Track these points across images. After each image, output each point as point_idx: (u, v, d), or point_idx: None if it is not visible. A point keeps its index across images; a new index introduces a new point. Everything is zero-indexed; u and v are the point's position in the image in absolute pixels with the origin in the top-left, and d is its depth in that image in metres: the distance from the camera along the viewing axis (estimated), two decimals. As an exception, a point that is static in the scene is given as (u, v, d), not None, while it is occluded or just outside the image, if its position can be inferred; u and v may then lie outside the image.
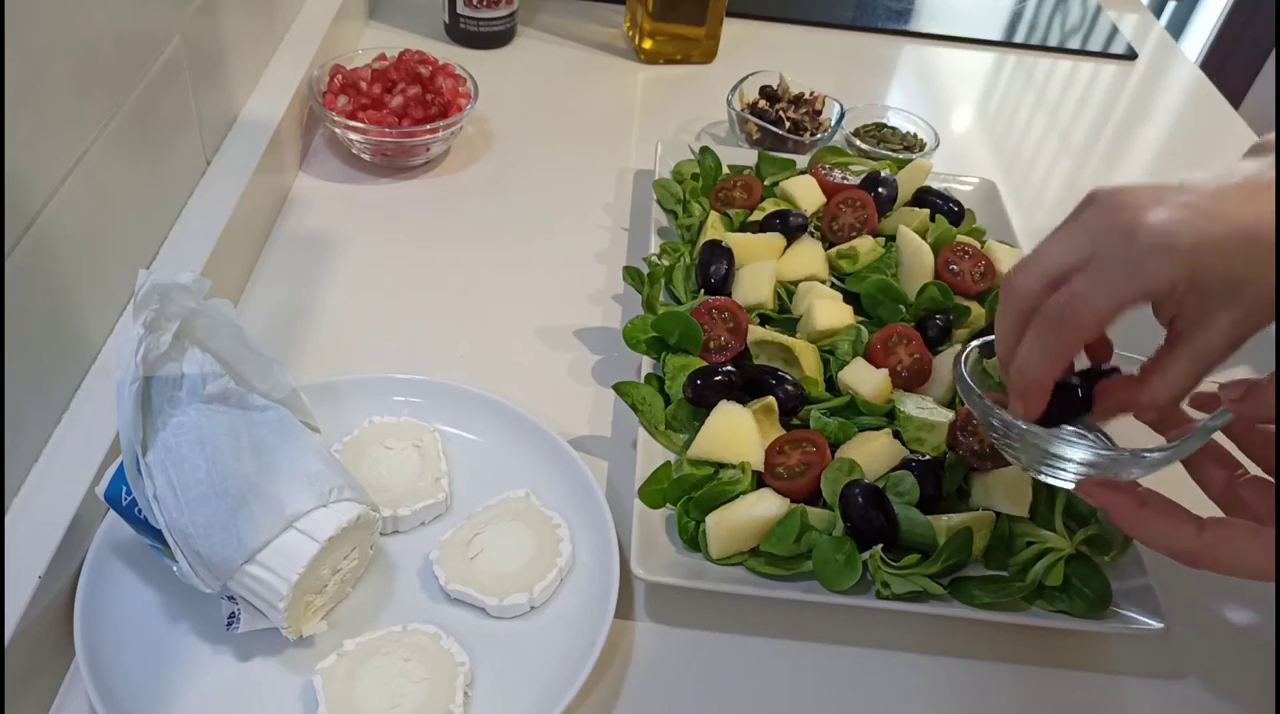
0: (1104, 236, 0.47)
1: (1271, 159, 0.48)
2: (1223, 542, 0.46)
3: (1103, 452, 0.50)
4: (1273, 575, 0.45)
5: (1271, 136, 0.51)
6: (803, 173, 0.82)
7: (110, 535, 0.53)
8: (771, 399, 0.62)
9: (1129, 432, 0.53)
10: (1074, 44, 1.22)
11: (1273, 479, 0.49)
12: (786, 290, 0.71)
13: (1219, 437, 0.50)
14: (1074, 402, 0.53)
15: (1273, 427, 0.49)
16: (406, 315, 0.73)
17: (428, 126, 0.82)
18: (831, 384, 0.65)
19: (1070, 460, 0.50)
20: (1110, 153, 1.03)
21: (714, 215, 0.77)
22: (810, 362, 0.65)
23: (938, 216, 0.78)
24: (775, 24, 1.18)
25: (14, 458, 0.50)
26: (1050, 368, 0.49)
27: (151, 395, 0.49)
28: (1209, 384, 0.50)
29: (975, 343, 0.56)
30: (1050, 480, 0.51)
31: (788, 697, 0.54)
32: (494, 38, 1.05)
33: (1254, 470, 0.50)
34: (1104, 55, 1.20)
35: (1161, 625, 0.54)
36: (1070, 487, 0.51)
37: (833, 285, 0.73)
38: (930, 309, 0.70)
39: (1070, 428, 0.54)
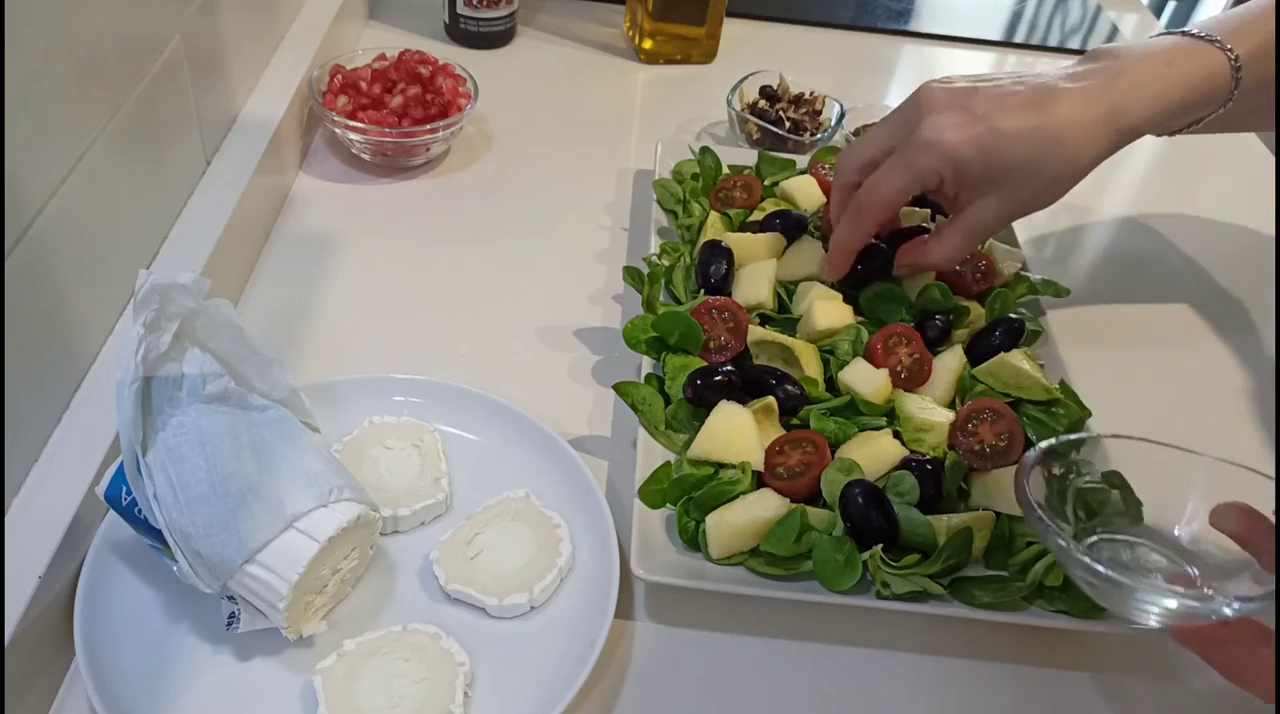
0: (900, 133, 0.62)
1: (1075, 71, 0.61)
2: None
3: (1191, 601, 0.46)
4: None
5: (1108, 47, 0.62)
6: (803, 173, 0.82)
7: (110, 535, 0.53)
8: (771, 399, 0.61)
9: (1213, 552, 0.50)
10: (1074, 44, 1.22)
11: None
12: (786, 290, 0.71)
13: None
14: (881, 261, 0.69)
15: None
16: (406, 315, 0.73)
17: (428, 126, 0.82)
18: (831, 384, 0.65)
19: (1158, 606, 0.47)
20: (1110, 153, 1.03)
21: (714, 215, 0.77)
22: (810, 362, 0.65)
23: (937, 217, 0.78)
24: (775, 24, 1.17)
25: (14, 458, 0.50)
26: (854, 241, 0.66)
27: (151, 395, 0.49)
28: None
29: (1034, 457, 0.52)
30: (1136, 619, 0.48)
31: (788, 697, 0.54)
32: (494, 38, 1.05)
33: None
34: (1104, 55, 1.20)
35: (1161, 625, 0.54)
36: (1156, 626, 0.48)
37: (832, 285, 0.73)
38: (930, 309, 0.70)
39: (1155, 554, 0.52)
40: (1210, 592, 0.50)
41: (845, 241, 0.66)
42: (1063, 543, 0.48)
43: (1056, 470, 0.54)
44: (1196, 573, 0.52)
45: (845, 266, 0.68)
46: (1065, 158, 0.59)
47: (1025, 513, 0.50)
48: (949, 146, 0.59)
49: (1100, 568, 0.46)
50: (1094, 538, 0.54)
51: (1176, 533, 0.53)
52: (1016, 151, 0.59)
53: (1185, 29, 0.64)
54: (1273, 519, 0.48)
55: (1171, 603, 0.46)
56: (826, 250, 0.74)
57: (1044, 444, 0.53)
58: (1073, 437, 0.55)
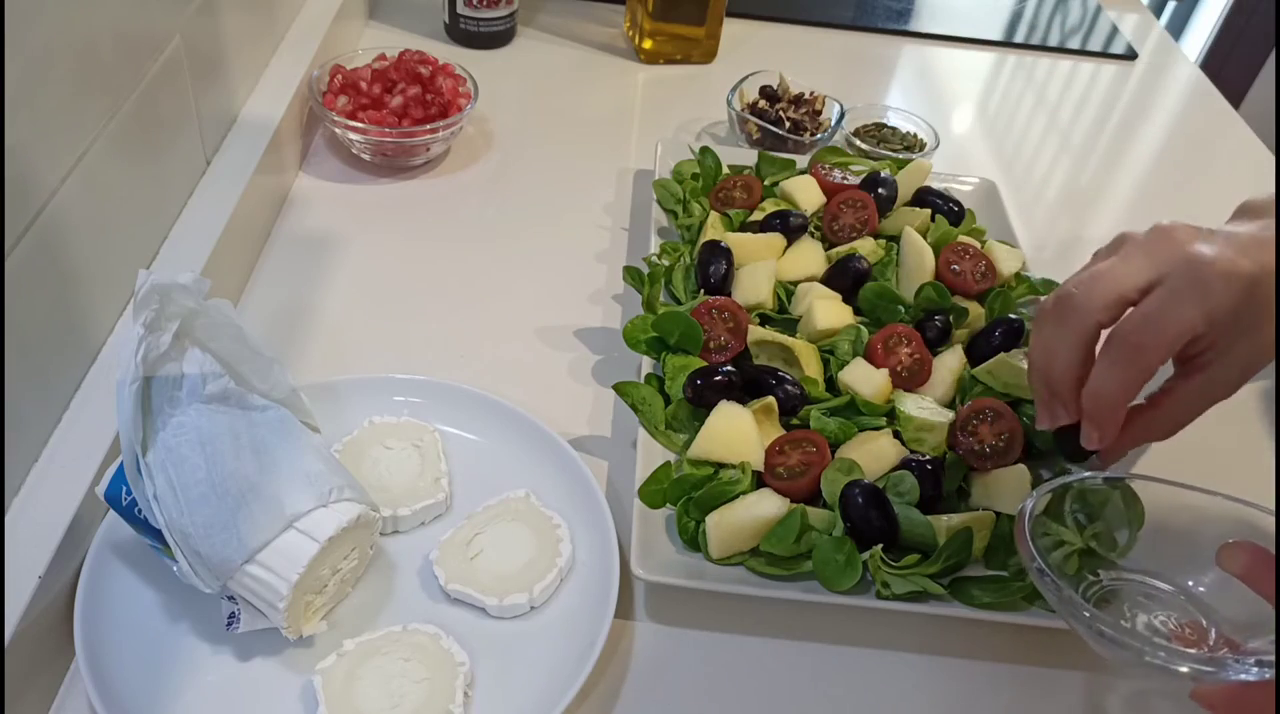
0: (1172, 262, 0.50)
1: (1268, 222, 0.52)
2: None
3: (1203, 666, 0.45)
4: None
5: (1259, 198, 0.54)
6: (803, 173, 0.82)
7: (110, 535, 0.53)
8: (771, 399, 0.62)
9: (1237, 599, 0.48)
10: (1074, 44, 1.22)
11: None
12: (786, 290, 0.71)
13: None
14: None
15: None
16: (406, 315, 0.73)
17: (428, 126, 0.82)
18: (831, 384, 0.65)
19: (1168, 669, 0.46)
20: (1110, 153, 1.03)
21: (714, 215, 0.77)
22: (810, 362, 0.65)
23: (938, 217, 0.78)
24: (775, 24, 1.18)
25: (14, 458, 0.50)
26: (1129, 390, 0.51)
27: (151, 395, 0.49)
28: None
29: (1031, 504, 0.50)
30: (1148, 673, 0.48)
31: (788, 697, 0.54)
32: (494, 38, 1.05)
33: None
34: (1104, 55, 1.20)
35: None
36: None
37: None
38: (929, 309, 0.70)
39: (1165, 598, 0.51)
40: (1225, 653, 0.48)
41: (1119, 394, 0.51)
42: (1070, 597, 0.46)
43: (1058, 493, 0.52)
44: (1207, 623, 0.50)
45: (1117, 427, 0.52)
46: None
47: (1026, 565, 0.48)
48: (1245, 273, 0.49)
49: (1106, 630, 0.45)
50: (1102, 580, 0.52)
51: (1190, 582, 0.51)
52: (1269, 290, 0.50)
53: None
54: None
55: (1182, 668, 0.44)
56: (825, 249, 0.75)
57: (1045, 489, 0.51)
58: (1072, 479, 0.53)
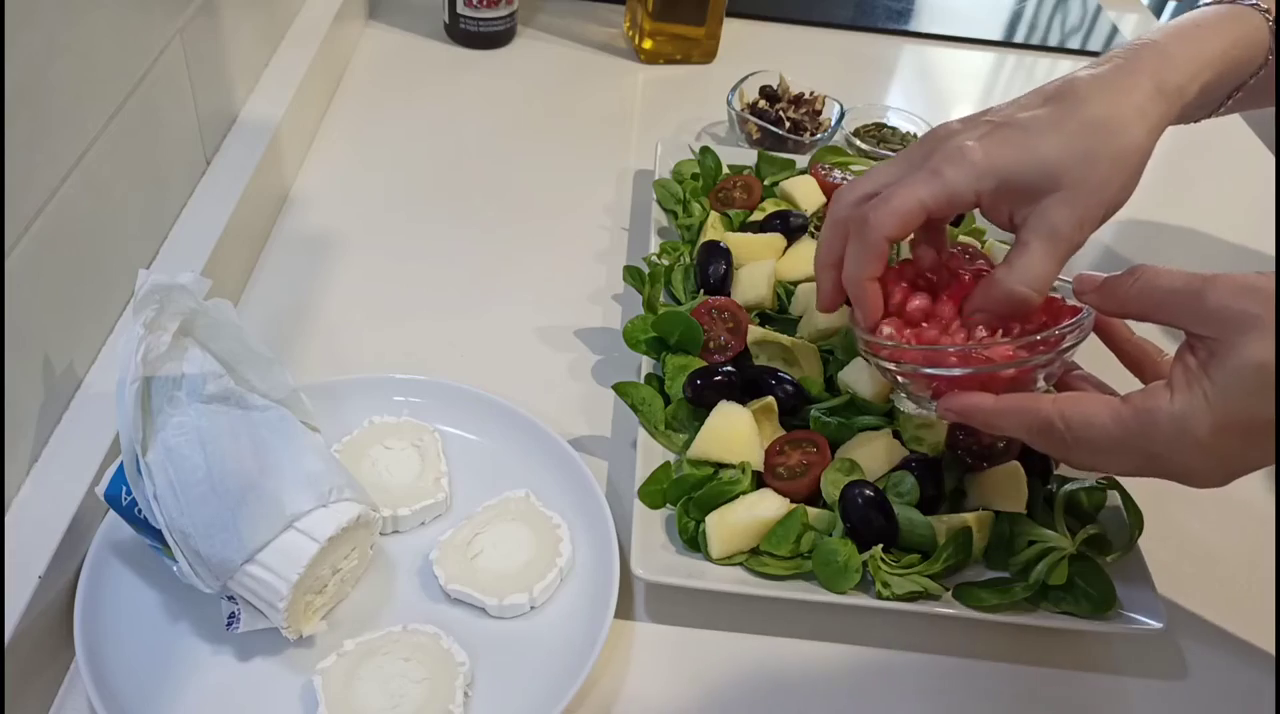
0: (915, 155, 0.54)
1: (1095, 61, 0.55)
2: (1075, 409, 0.47)
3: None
4: (1118, 449, 0.46)
5: (1080, 76, 0.55)
6: (803, 173, 0.82)
7: (110, 535, 0.53)
8: (771, 399, 0.61)
9: None
10: (1074, 44, 1.22)
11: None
12: (786, 290, 0.71)
13: None
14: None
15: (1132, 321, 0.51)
16: (406, 315, 0.73)
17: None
18: (831, 384, 0.65)
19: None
20: (1110, 153, 1.03)
21: (714, 215, 0.77)
22: (810, 362, 0.65)
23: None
24: (775, 24, 1.17)
25: (14, 458, 0.50)
26: (865, 267, 0.53)
27: (151, 395, 0.49)
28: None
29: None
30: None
31: (788, 697, 0.54)
32: (494, 38, 1.05)
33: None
34: (1104, 55, 1.20)
35: (1161, 625, 0.54)
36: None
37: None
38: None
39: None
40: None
41: (856, 270, 0.54)
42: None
43: None
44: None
45: (873, 302, 0.54)
46: (1115, 132, 0.51)
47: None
48: (980, 154, 0.51)
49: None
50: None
51: None
52: (1057, 141, 0.51)
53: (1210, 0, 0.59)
54: None
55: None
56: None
57: None
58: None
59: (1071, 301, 0.53)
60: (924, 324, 0.54)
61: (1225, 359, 0.44)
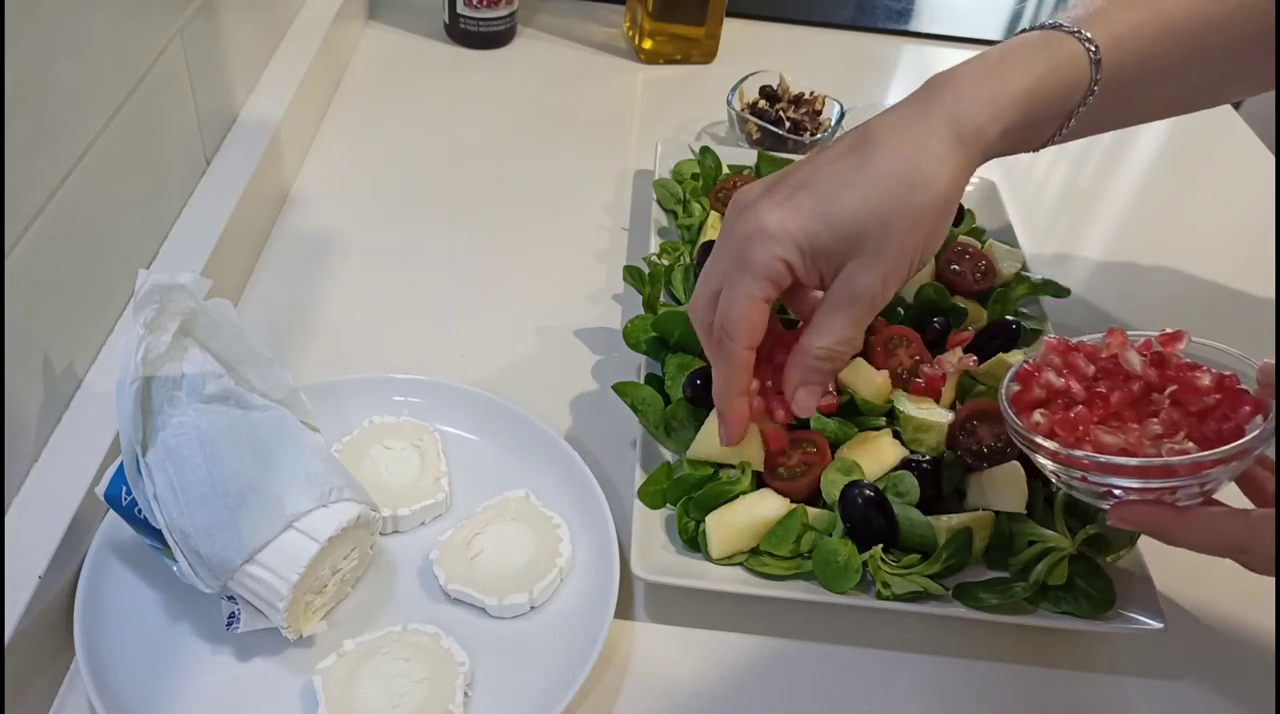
0: (729, 237, 0.52)
1: (895, 105, 0.52)
2: (1269, 531, 0.44)
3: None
4: None
5: (942, 71, 0.52)
6: (803, 173, 0.82)
7: (110, 535, 0.53)
8: (771, 399, 0.62)
9: None
10: (1074, 44, 1.22)
11: None
12: (786, 290, 0.71)
13: None
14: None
15: None
16: (406, 315, 0.73)
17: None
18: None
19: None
20: (1110, 153, 1.03)
21: (714, 215, 0.77)
22: (810, 362, 0.65)
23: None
24: (775, 24, 1.17)
25: (14, 458, 0.50)
26: (733, 383, 0.53)
27: (151, 395, 0.49)
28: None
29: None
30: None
31: (788, 697, 0.54)
32: (494, 38, 1.05)
33: None
34: (1104, 55, 1.20)
35: (1161, 625, 0.54)
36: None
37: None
38: (928, 310, 0.70)
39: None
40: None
41: (725, 390, 0.53)
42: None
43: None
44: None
45: (742, 423, 0.54)
46: (912, 187, 0.49)
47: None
48: (776, 226, 0.49)
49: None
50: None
51: None
52: (853, 200, 0.48)
53: (1040, 22, 0.54)
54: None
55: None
56: None
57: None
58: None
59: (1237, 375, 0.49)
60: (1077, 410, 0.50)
61: None
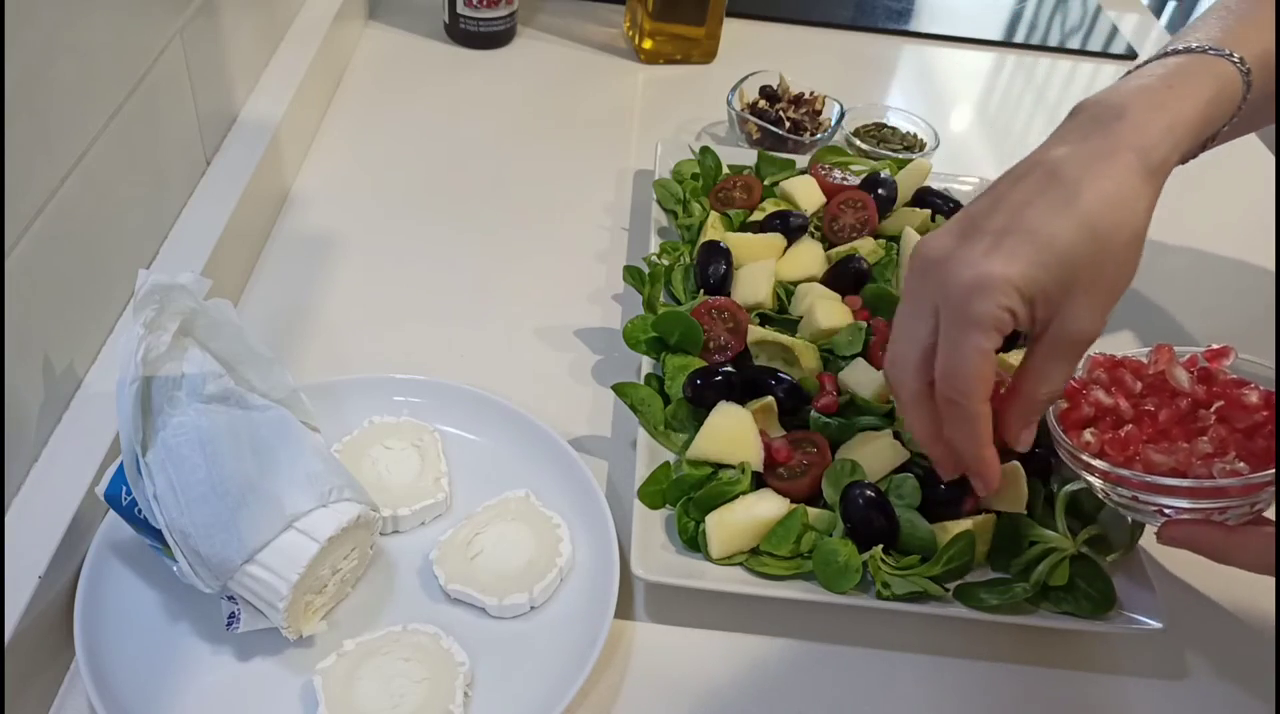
0: (926, 303, 0.50)
1: (1066, 136, 0.51)
2: None
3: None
4: None
5: (1087, 99, 0.52)
6: (803, 173, 0.82)
7: (110, 535, 0.53)
8: (771, 399, 0.61)
9: None
10: (1074, 44, 1.22)
11: None
12: (786, 290, 0.71)
13: None
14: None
15: None
16: (406, 315, 0.73)
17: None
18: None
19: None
20: (1110, 153, 1.03)
21: (714, 215, 0.77)
22: (810, 362, 0.65)
23: (938, 217, 0.78)
24: (775, 24, 1.17)
25: (14, 458, 0.50)
26: (979, 439, 0.50)
27: (151, 395, 0.49)
28: None
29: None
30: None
31: (788, 697, 0.54)
32: (494, 38, 1.05)
33: None
34: (1104, 55, 1.20)
35: (1161, 625, 0.54)
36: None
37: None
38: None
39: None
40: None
41: (974, 447, 0.51)
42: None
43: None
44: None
45: (997, 471, 0.52)
46: (1119, 224, 0.49)
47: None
48: (999, 276, 0.47)
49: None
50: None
51: None
52: (1067, 242, 0.48)
53: (1177, 46, 0.55)
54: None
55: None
56: (825, 249, 0.75)
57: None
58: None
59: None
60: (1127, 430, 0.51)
61: None
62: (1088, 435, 0.51)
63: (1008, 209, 0.49)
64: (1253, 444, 0.48)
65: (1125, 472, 0.48)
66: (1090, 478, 0.51)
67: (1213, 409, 0.50)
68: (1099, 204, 0.48)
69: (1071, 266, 0.48)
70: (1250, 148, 1.06)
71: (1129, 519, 0.53)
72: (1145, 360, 0.53)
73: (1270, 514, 0.49)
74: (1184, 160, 0.54)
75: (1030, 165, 0.51)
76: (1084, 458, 0.50)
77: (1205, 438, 0.49)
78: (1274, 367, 0.50)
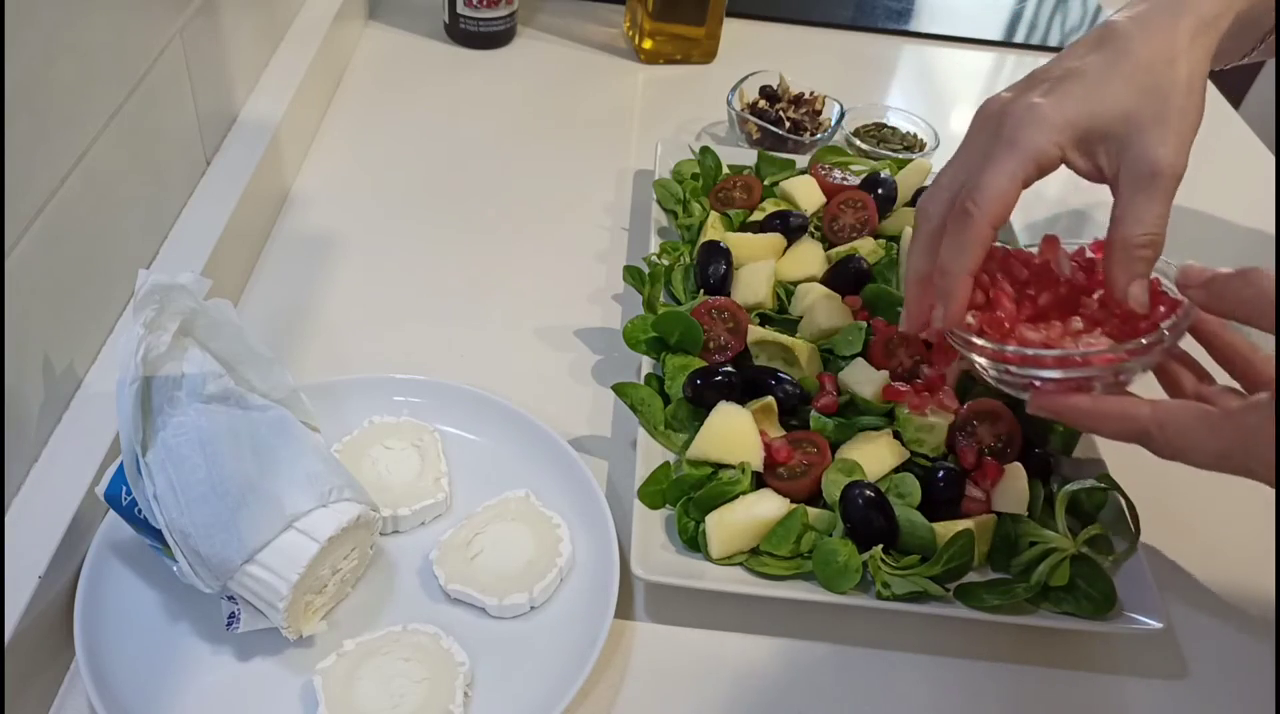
0: (981, 137, 0.53)
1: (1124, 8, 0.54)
2: (1172, 419, 0.47)
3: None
4: (1215, 462, 0.47)
5: (1118, 21, 0.54)
6: (803, 173, 0.82)
7: (110, 535, 0.53)
8: (771, 399, 0.61)
9: None
10: (1074, 44, 1.22)
11: (1241, 389, 0.51)
12: (786, 290, 0.71)
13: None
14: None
15: (1237, 326, 0.50)
16: (406, 315, 0.73)
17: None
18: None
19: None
20: (1110, 153, 1.03)
21: (714, 215, 0.77)
22: (810, 362, 0.65)
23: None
24: (775, 24, 1.17)
25: (14, 458, 0.50)
26: (967, 259, 0.52)
27: (151, 395, 0.49)
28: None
29: None
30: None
31: (788, 697, 0.54)
32: (494, 38, 1.05)
33: (1223, 380, 0.52)
34: (1104, 55, 1.20)
35: (1161, 625, 0.54)
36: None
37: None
38: (930, 309, 0.70)
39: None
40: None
41: (957, 264, 0.52)
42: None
43: None
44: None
45: (964, 298, 0.52)
46: (1172, 62, 0.51)
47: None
48: (1052, 110, 0.50)
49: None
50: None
51: None
52: (1122, 84, 0.50)
53: None
54: None
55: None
56: (825, 249, 0.75)
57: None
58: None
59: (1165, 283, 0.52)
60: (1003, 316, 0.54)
61: None
62: (969, 318, 0.54)
63: (1065, 64, 0.53)
64: (1128, 327, 0.51)
65: (997, 346, 0.51)
66: (971, 356, 0.53)
67: (1095, 297, 0.53)
68: (1152, 49, 0.51)
69: (1131, 105, 0.50)
70: (1250, 148, 1.06)
71: (1007, 392, 0.55)
72: (1036, 252, 0.56)
73: (1134, 389, 0.51)
74: (1242, 48, 0.58)
75: (1093, 30, 0.54)
76: (963, 336, 0.53)
77: (1078, 317, 0.52)
78: (1174, 265, 0.52)
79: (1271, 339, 0.46)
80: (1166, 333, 0.49)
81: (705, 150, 0.83)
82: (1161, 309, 0.50)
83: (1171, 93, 0.50)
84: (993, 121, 0.53)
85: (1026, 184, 0.51)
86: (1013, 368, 0.51)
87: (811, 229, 0.77)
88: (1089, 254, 0.55)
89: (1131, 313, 0.51)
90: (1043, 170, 0.51)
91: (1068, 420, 0.51)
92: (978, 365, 0.54)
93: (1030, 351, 0.51)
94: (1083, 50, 0.53)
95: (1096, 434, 0.53)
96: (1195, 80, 0.51)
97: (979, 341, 0.52)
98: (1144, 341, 0.49)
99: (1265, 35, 0.59)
